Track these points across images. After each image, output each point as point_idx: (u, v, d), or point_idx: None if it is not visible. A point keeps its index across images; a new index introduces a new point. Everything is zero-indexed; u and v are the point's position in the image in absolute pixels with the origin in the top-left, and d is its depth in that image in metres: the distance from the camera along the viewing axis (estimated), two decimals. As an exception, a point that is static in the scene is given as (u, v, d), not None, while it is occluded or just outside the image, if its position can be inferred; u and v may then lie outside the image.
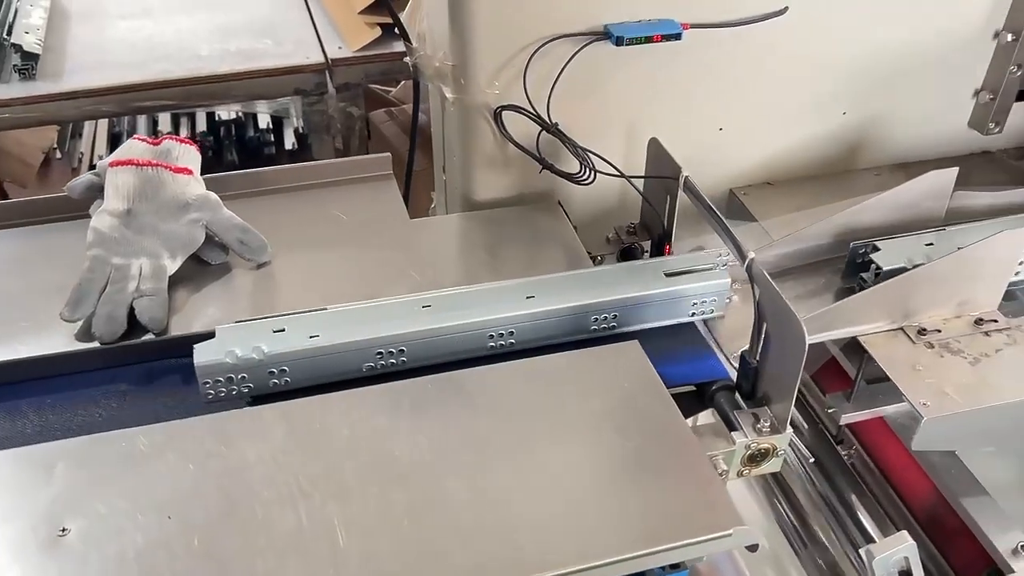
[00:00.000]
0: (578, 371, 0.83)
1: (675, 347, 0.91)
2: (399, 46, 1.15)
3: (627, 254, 1.05)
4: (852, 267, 0.99)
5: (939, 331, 0.92)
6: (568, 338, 0.89)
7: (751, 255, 0.80)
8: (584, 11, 0.96)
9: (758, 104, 1.10)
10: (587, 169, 0.99)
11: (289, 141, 2.55)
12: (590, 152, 1.00)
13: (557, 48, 0.97)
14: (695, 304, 0.93)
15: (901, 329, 0.93)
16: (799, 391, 1.14)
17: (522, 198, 1.09)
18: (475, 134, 1.02)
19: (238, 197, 1.03)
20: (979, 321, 0.94)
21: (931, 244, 0.97)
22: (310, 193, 1.08)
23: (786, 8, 1.01)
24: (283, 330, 0.82)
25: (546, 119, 0.99)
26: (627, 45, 0.95)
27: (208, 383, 0.80)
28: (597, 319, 0.89)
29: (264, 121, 2.56)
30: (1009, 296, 0.96)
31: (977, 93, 1.16)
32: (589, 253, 1.01)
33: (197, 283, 0.94)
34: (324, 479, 0.71)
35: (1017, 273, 0.97)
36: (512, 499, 0.71)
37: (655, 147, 0.98)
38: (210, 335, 0.81)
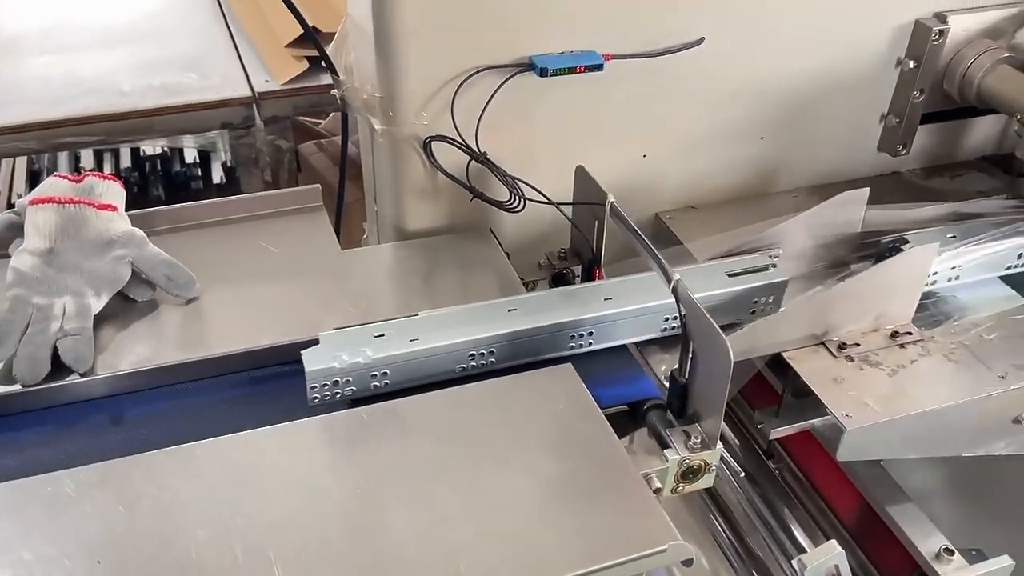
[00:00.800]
0: (513, 396, 0.84)
1: (608, 369, 0.92)
2: (327, 78, 1.16)
3: (559, 279, 1.07)
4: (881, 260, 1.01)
5: (858, 345, 0.96)
6: (644, 337, 0.95)
7: (676, 277, 0.83)
8: (509, 44, 0.98)
9: (679, 131, 1.13)
10: (516, 197, 1.01)
11: (217, 175, 2.52)
12: (519, 180, 1.02)
13: (484, 79, 0.99)
14: (756, 303, 0.98)
15: (823, 344, 0.96)
16: (730, 407, 1.17)
17: (454, 226, 1.10)
18: (405, 164, 1.03)
19: (164, 233, 1.02)
20: (895, 334, 0.98)
21: (953, 236, 1.04)
22: (239, 227, 1.07)
23: (702, 39, 1.05)
24: (383, 335, 0.86)
25: (475, 149, 1.01)
26: (551, 76, 0.98)
27: (315, 387, 0.82)
28: (668, 319, 0.95)
29: (191, 156, 2.52)
30: (921, 308, 1.01)
31: (884, 117, 1.22)
32: (522, 279, 1.03)
33: (123, 321, 0.92)
34: (259, 515, 0.71)
35: (927, 286, 1.02)
36: (451, 526, 0.71)
37: (581, 174, 1.00)
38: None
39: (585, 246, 1.04)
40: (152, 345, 0.90)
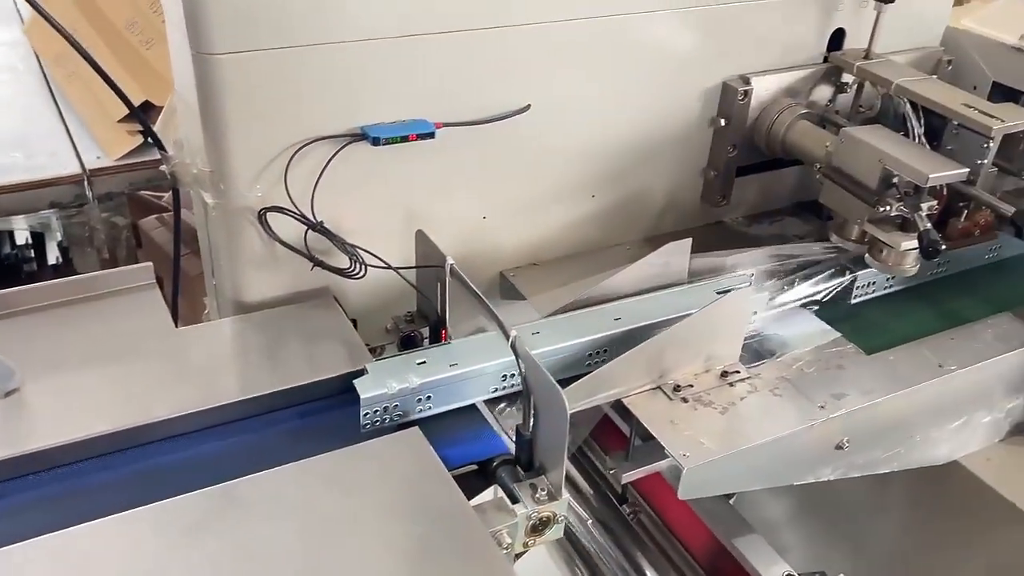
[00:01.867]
0: (359, 466, 0.83)
1: (456, 428, 0.93)
2: (163, 152, 1.13)
3: (407, 342, 1.08)
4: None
5: (692, 386, 1.02)
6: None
7: (514, 334, 0.85)
8: (339, 114, 1.00)
9: (516, 193, 1.17)
10: (356, 264, 1.02)
11: (52, 256, 2.38)
12: (359, 247, 1.03)
13: (317, 149, 1.00)
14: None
15: (659, 387, 1.01)
16: (583, 455, 1.20)
17: (297, 296, 1.09)
18: (240, 237, 1.02)
19: (-14, 321, 0.96)
20: (724, 373, 1.04)
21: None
22: (68, 310, 1.03)
23: (528, 106, 1.10)
24: (424, 362, 0.94)
25: (311, 217, 1.01)
26: (384, 145, 1.00)
27: (368, 413, 0.90)
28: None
29: (22, 237, 2.38)
30: (747, 347, 1.08)
31: (705, 171, 1.31)
32: (368, 344, 1.02)
33: (-67, 420, 0.86)
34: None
35: (751, 326, 1.09)
36: (298, 605, 0.69)
37: (422, 239, 1.02)
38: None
39: (430, 308, 1.05)
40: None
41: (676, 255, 1.11)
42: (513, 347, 0.85)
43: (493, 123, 1.08)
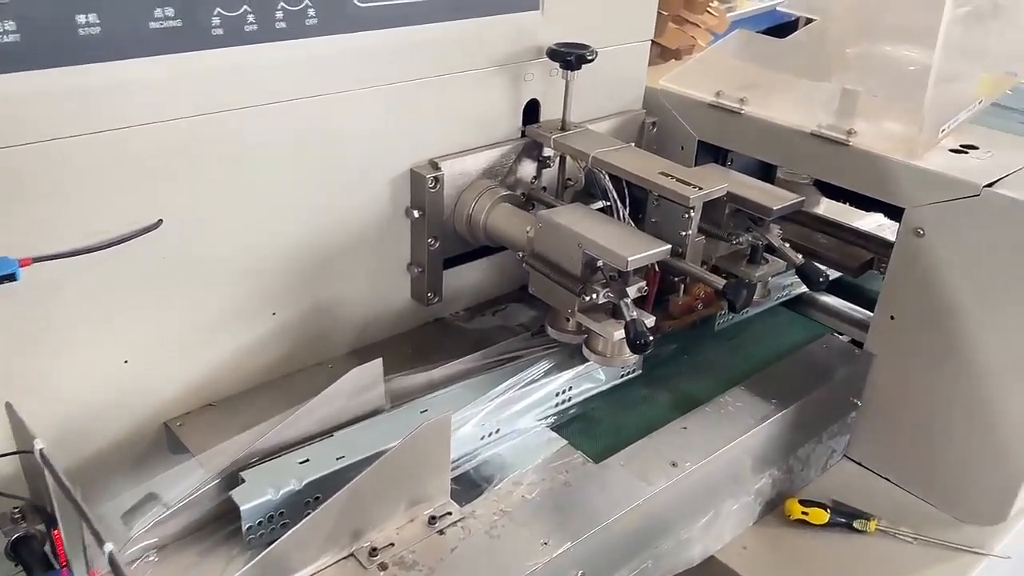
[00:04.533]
0: None
1: None
2: None
3: (19, 546, 0.82)
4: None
5: (392, 545, 0.83)
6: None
7: (110, 547, 0.63)
8: None
9: (162, 326, 0.95)
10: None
11: None
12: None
13: None
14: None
15: (352, 555, 0.82)
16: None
17: None
18: None
19: None
20: (432, 519, 0.87)
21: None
22: None
23: (160, 221, 0.89)
24: (307, 460, 0.87)
25: None
26: (-58, 298, 0.76)
27: (252, 527, 0.82)
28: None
29: None
30: (461, 479, 0.92)
31: (409, 268, 1.15)
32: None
33: None
34: None
35: (463, 450, 0.93)
36: None
37: (12, 414, 0.78)
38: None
39: (45, 497, 0.80)
40: None
41: (366, 382, 0.94)
42: (111, 560, 0.63)
43: (114, 247, 0.86)
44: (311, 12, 0.93)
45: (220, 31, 0.87)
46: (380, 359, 0.93)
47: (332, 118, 1.00)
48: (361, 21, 0.97)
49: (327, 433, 0.91)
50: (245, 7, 0.88)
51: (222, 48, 0.88)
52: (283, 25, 0.91)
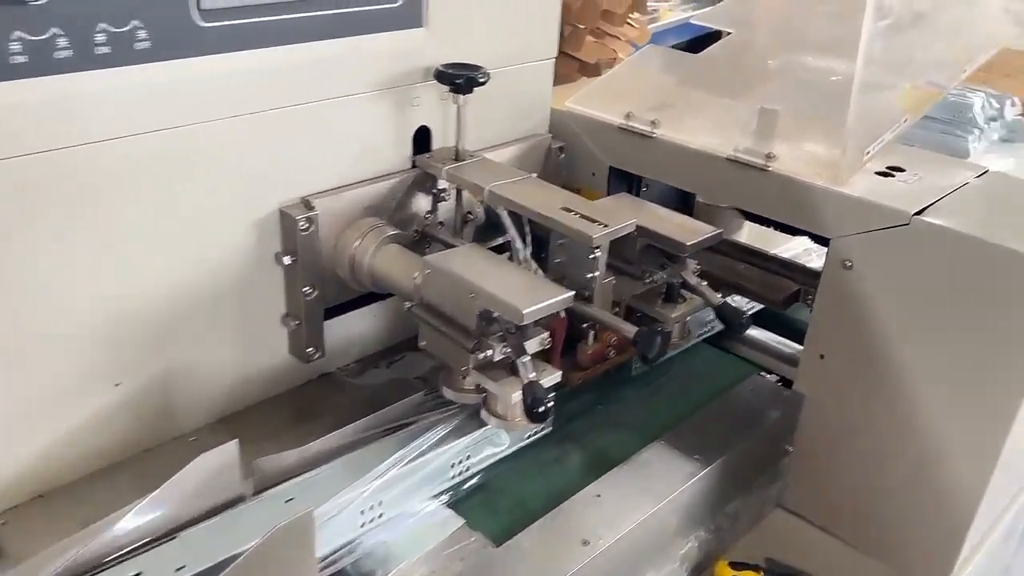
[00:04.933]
0: None
1: None
2: None
3: None
4: None
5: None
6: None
7: None
8: None
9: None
10: None
11: None
12: None
13: None
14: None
15: None
16: None
17: None
18: None
19: None
20: (298, 633, 0.73)
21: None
22: None
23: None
24: (140, 574, 0.72)
25: None
26: None
27: None
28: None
29: None
30: (336, 578, 0.78)
31: (284, 321, 1.02)
32: None
33: None
34: None
35: (335, 546, 0.80)
36: None
37: None
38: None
39: None
40: None
41: (222, 467, 0.79)
42: None
43: None
44: (141, 35, 0.79)
45: (23, 58, 0.73)
46: (236, 441, 0.79)
47: (181, 155, 0.85)
48: (207, 44, 0.84)
49: (170, 534, 0.76)
50: (53, 30, 0.73)
51: (27, 79, 0.73)
52: (106, 50, 0.77)
